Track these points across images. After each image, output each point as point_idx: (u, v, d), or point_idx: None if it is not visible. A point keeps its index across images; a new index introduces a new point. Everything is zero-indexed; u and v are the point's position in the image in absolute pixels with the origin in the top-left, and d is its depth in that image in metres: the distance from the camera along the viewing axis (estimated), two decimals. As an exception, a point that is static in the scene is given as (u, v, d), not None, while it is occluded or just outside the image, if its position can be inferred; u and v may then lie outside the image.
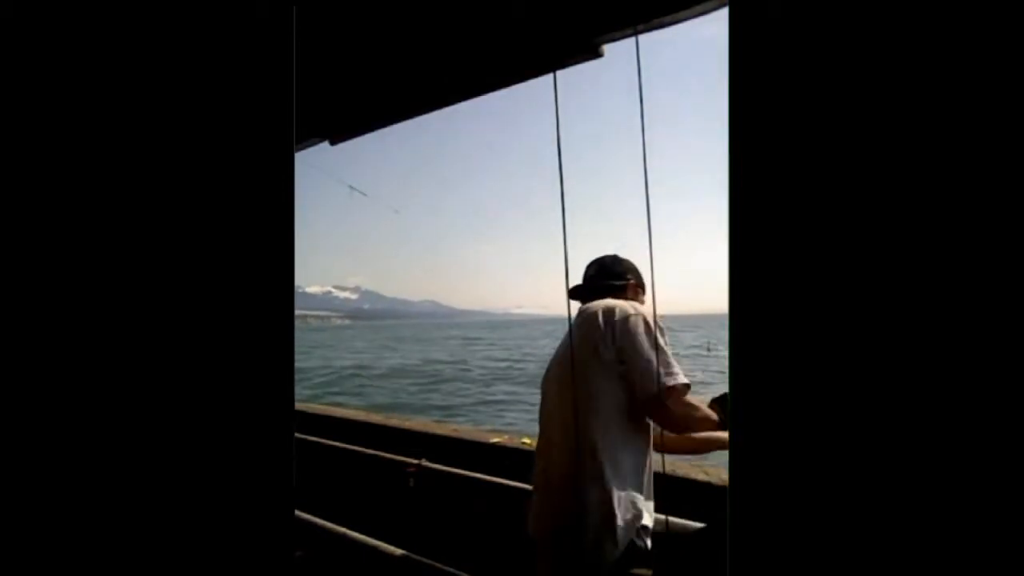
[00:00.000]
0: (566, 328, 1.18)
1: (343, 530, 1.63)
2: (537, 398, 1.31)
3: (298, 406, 3.04)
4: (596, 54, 0.85)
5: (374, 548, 1.51)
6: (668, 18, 0.77)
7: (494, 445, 2.18)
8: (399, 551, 1.47)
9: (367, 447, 2.41)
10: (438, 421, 3.30)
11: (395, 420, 2.75)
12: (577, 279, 1.38)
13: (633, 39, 0.81)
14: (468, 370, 19.79)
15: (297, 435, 2.03)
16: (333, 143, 1.26)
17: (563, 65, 0.88)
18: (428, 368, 21.02)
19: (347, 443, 2.50)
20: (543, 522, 1.20)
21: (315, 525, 1.68)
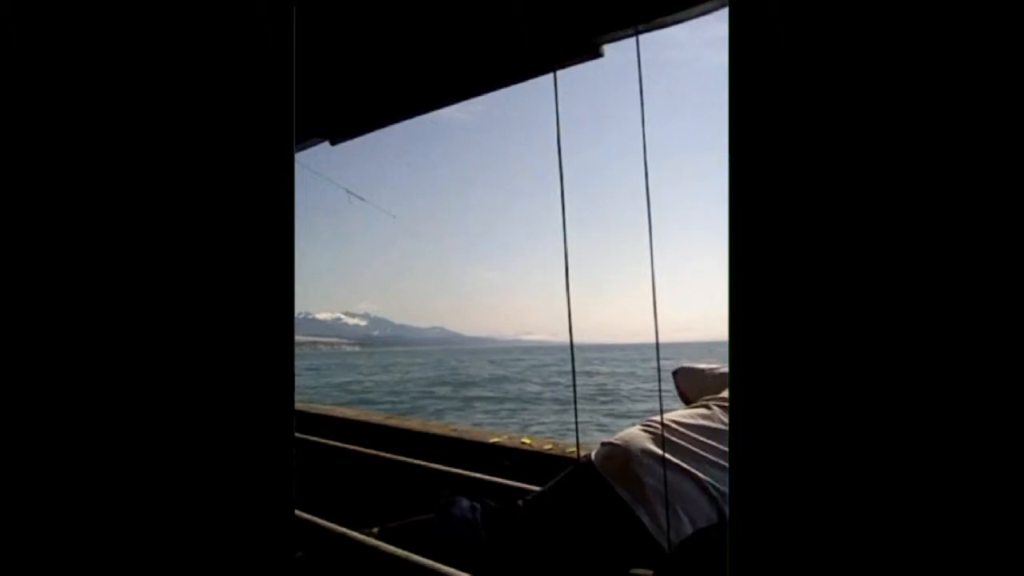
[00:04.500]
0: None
1: (343, 530, 1.62)
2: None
3: (298, 406, 3.03)
4: (596, 54, 0.85)
5: (374, 548, 1.51)
6: (669, 18, 0.77)
7: (494, 445, 2.17)
8: (399, 551, 1.47)
9: (367, 447, 2.40)
10: (437, 421, 3.30)
11: (395, 420, 2.74)
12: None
13: (634, 39, 0.81)
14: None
15: (297, 435, 2.03)
16: (333, 143, 1.26)
17: (563, 65, 0.88)
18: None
19: (347, 443, 2.49)
20: None
21: (315, 525, 1.67)
